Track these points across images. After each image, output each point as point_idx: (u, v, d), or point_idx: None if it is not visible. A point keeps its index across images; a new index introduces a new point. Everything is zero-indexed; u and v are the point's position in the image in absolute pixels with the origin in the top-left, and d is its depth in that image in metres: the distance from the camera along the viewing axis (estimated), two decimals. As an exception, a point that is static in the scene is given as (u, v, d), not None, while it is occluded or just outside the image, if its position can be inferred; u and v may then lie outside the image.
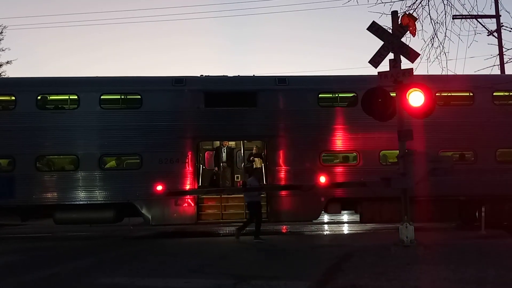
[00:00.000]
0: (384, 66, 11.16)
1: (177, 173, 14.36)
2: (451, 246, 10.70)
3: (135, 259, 10.35)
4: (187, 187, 14.35)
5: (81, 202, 14.18)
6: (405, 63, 11.04)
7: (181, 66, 68.08)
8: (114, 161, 15.02)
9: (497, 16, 21.91)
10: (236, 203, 15.05)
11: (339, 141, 14.81)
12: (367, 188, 13.07)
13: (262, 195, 13.88)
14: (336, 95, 15.46)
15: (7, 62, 28.67)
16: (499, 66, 21.11)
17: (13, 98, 14.58)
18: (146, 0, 61.62)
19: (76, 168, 14.35)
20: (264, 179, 15.26)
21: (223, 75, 15.66)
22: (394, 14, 10.81)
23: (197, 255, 10.56)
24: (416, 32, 10.18)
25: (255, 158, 16.43)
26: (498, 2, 20.76)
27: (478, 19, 16.06)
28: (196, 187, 14.60)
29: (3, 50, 28.65)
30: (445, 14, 9.28)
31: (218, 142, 17.23)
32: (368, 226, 16.41)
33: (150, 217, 14.28)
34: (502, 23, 21.78)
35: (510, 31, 20.30)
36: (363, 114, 11.65)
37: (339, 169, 14.87)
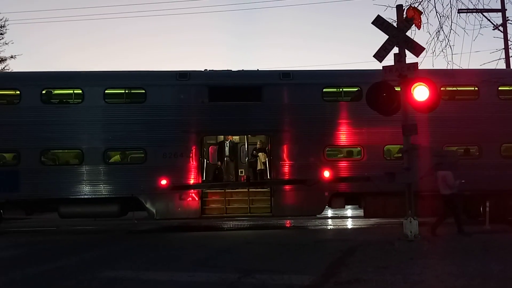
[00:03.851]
0: (389, 60, 11.14)
1: (181, 167, 14.37)
2: (456, 240, 10.68)
3: (139, 252, 10.40)
4: (191, 181, 14.36)
5: (85, 196, 14.23)
6: (410, 57, 11.01)
7: (186, 61, 68.09)
8: (118, 155, 15.04)
9: (503, 10, 21.77)
10: (240, 198, 15.07)
11: (343, 136, 14.76)
12: (371, 182, 13.05)
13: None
14: (341, 89, 15.41)
15: (11, 57, 28.73)
16: (504, 59, 21.02)
17: (18, 92, 14.61)
18: (150, -6, 61.40)
19: (81, 162, 14.40)
20: (268, 173, 15.28)
21: (228, 70, 15.64)
22: (399, 7, 10.77)
23: (201, 249, 10.59)
24: (421, 25, 10.14)
25: (259, 153, 16.45)
26: (504, -4, 20.62)
27: (484, 13, 16.05)
28: (200, 181, 14.62)
29: (6, 43, 28.74)
30: (451, 7, 9.24)
31: (222, 136, 17.26)
32: (372, 220, 16.40)
33: (154, 211, 14.32)
34: (508, 17, 21.68)
35: (516, 25, 20.20)
36: (368, 108, 11.62)
37: (343, 164, 14.85)
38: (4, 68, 28.32)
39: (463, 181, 11.99)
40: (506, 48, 21.23)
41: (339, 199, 14.84)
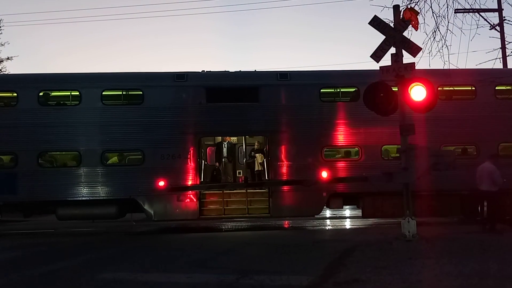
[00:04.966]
0: (386, 60, 11.15)
1: (179, 168, 14.36)
2: (453, 240, 10.69)
3: (137, 254, 10.39)
4: (189, 182, 14.35)
5: (83, 198, 14.21)
6: (407, 57, 11.02)
7: (183, 63, 68.16)
8: (116, 157, 15.03)
9: (499, 9, 21.81)
10: (238, 199, 15.07)
11: (341, 136, 14.78)
12: (369, 183, 13.05)
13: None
14: (338, 90, 15.43)
15: (8, 58, 28.63)
16: (501, 59, 21.05)
17: (15, 94, 14.60)
18: (147, -4, 61.34)
19: (78, 164, 14.37)
20: (266, 174, 15.28)
21: (225, 71, 15.63)
22: (396, 8, 10.77)
23: (199, 250, 10.58)
24: (418, 26, 10.16)
25: (256, 154, 16.45)
26: (500, -4, 20.66)
27: (481, 13, 16.09)
28: (198, 182, 14.62)
29: (2, 45, 28.61)
30: (447, 7, 9.26)
31: (220, 137, 17.26)
32: (370, 220, 16.42)
33: (152, 212, 14.30)
34: (504, 17, 21.68)
35: (512, 24, 20.30)
36: (365, 108, 11.63)
37: (341, 164, 14.86)
38: (0, 70, 28.25)
39: (504, 180, 12.31)
40: (503, 47, 21.26)
41: (337, 200, 14.85)
